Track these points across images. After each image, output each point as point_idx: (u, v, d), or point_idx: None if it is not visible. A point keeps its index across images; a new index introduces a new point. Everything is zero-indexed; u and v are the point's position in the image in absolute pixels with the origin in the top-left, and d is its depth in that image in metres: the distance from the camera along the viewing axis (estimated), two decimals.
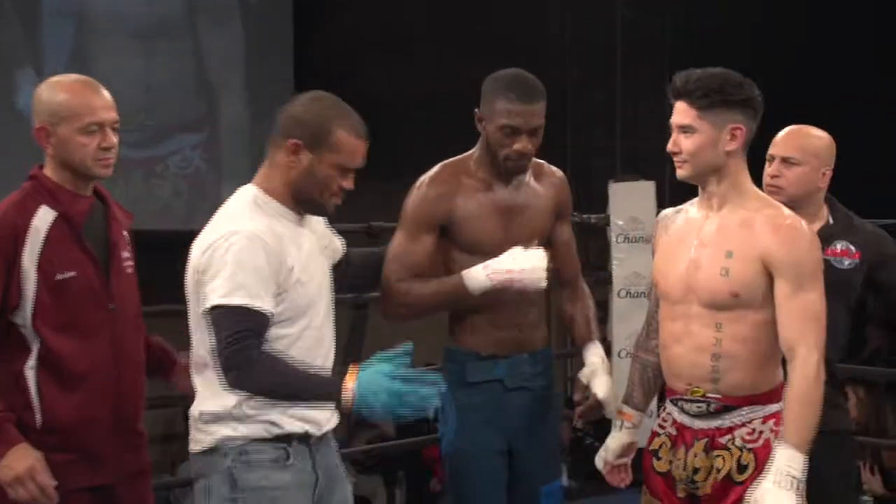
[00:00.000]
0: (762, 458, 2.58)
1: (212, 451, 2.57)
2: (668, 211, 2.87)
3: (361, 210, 3.65)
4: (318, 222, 2.72)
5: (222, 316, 2.47)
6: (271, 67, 7.88)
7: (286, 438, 2.57)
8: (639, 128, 8.71)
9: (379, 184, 4.54)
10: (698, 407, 2.67)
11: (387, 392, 2.39)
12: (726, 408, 2.65)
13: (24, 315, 2.63)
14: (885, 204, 4.45)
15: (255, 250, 2.48)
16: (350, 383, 2.44)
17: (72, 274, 2.65)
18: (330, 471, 2.68)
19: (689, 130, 2.64)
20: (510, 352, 2.99)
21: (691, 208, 2.77)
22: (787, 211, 2.68)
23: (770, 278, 2.60)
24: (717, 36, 7.75)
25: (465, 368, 2.97)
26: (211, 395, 2.57)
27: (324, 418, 2.63)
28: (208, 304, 2.50)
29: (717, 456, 2.63)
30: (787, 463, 2.49)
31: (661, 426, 2.78)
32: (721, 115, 2.62)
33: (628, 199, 5.13)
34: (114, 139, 2.70)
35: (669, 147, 2.68)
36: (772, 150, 3.24)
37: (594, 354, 3.02)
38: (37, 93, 2.71)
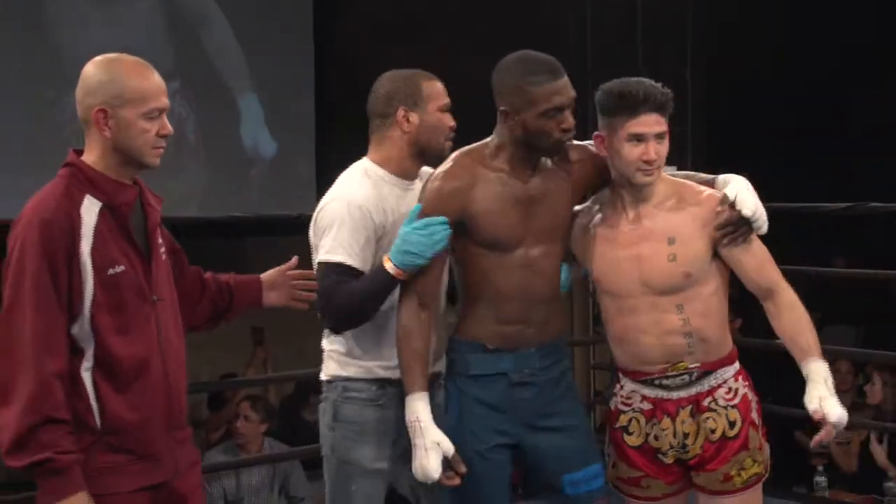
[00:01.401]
0: (745, 411, 2.88)
1: (328, 382, 3.03)
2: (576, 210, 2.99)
3: None
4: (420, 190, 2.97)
5: (323, 270, 2.90)
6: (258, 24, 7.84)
7: (382, 382, 2.95)
8: None
9: None
10: (682, 380, 2.86)
11: (410, 238, 2.80)
12: (705, 373, 2.87)
13: (83, 313, 2.50)
14: (887, 200, 4.53)
15: (356, 215, 2.89)
16: (386, 255, 2.85)
17: (122, 268, 2.53)
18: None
19: (663, 137, 2.81)
20: (517, 346, 2.92)
21: (603, 208, 2.90)
22: (694, 183, 2.90)
23: (712, 248, 2.83)
24: (737, 20, 7.76)
25: (469, 361, 2.92)
26: (328, 335, 3.02)
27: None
28: (316, 259, 2.94)
29: (707, 418, 2.87)
30: (827, 372, 2.81)
31: (625, 404, 2.94)
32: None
33: None
34: (170, 127, 2.57)
35: (649, 156, 2.78)
36: None
37: None
38: (91, 73, 2.54)
